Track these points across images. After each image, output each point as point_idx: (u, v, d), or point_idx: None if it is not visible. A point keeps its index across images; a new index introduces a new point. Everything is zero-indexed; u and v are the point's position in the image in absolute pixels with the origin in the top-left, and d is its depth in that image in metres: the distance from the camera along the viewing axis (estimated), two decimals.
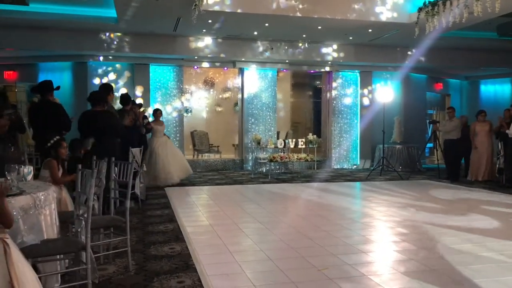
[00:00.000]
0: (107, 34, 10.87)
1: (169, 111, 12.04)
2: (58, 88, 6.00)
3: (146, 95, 11.83)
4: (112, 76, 11.71)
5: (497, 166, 10.15)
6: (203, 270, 3.97)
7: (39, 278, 3.22)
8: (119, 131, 6.16)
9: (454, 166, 10.52)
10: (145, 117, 8.87)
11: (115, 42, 10.98)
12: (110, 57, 11.52)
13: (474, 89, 16.80)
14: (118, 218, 4.11)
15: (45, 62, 11.60)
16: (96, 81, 11.37)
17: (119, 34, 10.94)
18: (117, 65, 11.76)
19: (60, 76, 11.45)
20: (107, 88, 6.54)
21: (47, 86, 5.93)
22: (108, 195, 4.62)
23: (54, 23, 9.89)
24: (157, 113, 9.65)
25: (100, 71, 11.62)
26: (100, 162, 4.36)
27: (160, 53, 11.38)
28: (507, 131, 9.39)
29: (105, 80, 11.38)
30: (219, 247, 4.76)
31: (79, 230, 3.35)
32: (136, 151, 7.11)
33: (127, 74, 11.82)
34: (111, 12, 9.40)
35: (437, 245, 4.81)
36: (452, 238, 5.12)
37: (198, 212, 6.72)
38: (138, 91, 11.80)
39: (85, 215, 3.25)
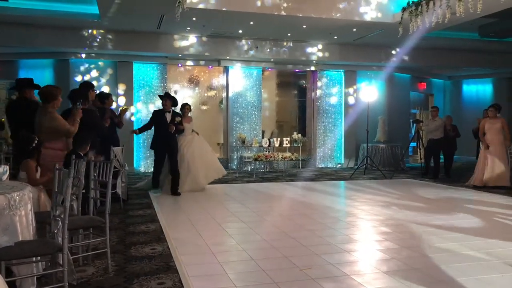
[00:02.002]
0: (90, 31, 10.71)
1: (153, 109, 11.87)
2: (37, 86, 5.84)
3: (129, 93, 11.70)
4: (94, 73, 11.55)
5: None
6: (185, 271, 3.91)
7: (14, 281, 3.14)
8: (100, 129, 6.05)
9: (437, 164, 10.65)
10: (179, 115, 8.12)
11: (98, 39, 10.81)
12: (93, 55, 11.37)
13: (457, 89, 17.04)
14: (97, 218, 4.03)
15: (25, 59, 11.38)
16: (78, 79, 11.20)
17: (101, 31, 10.78)
18: (100, 63, 11.61)
19: (41, 74, 11.23)
20: (87, 86, 6.41)
21: (25, 83, 5.78)
22: (88, 194, 4.52)
23: (35, 20, 9.70)
24: (185, 108, 8.46)
25: (82, 68, 11.46)
26: (79, 161, 4.26)
27: (143, 51, 11.26)
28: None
29: (87, 78, 11.21)
30: (201, 248, 4.70)
31: (55, 231, 3.26)
32: (117, 150, 7.00)
33: (109, 71, 11.68)
34: (94, 9, 9.26)
35: (420, 244, 4.83)
36: (435, 236, 5.14)
37: (181, 212, 6.65)
38: (121, 89, 11.66)
39: (62, 216, 3.17)
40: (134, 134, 9.21)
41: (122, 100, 11.65)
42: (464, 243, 4.86)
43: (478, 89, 16.48)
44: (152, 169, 8.62)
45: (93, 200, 4.53)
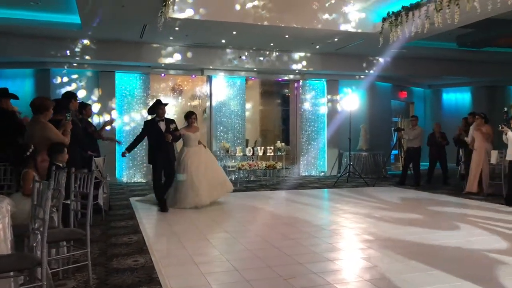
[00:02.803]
0: (71, 40, 10.61)
1: (136, 119, 11.84)
2: (13, 96, 5.76)
3: (111, 103, 11.60)
4: (76, 83, 11.42)
5: (459, 172, 10.46)
6: (167, 283, 3.87)
7: None
8: (80, 140, 5.98)
9: (417, 172, 10.80)
10: (172, 122, 7.47)
11: (79, 49, 10.72)
12: (74, 64, 11.24)
13: (437, 97, 17.36)
14: (78, 230, 3.96)
15: (4, 68, 11.18)
16: (59, 89, 11.05)
17: (83, 40, 10.69)
18: (81, 73, 11.49)
19: (21, 84, 11.08)
20: (68, 96, 6.35)
21: (0, 93, 5.71)
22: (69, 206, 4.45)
23: (15, 29, 9.57)
24: (191, 118, 7.80)
25: (63, 78, 11.32)
26: (60, 172, 4.20)
27: (126, 60, 11.20)
28: (465, 139, 9.71)
29: (68, 88, 11.08)
30: (184, 258, 4.66)
31: (34, 244, 3.20)
32: (99, 160, 6.92)
33: (92, 81, 11.57)
34: (75, 18, 9.17)
35: (402, 251, 4.87)
36: (417, 243, 5.19)
37: (164, 223, 6.59)
38: (103, 99, 11.55)
39: (41, 229, 3.11)
40: (119, 145, 8.45)
41: (105, 111, 11.54)
42: (447, 248, 4.92)
43: (457, 98, 16.81)
44: (154, 190, 7.69)
45: (74, 212, 4.46)
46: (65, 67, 11.21)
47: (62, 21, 9.55)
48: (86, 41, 10.71)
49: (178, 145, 8.19)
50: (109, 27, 9.44)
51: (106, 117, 11.39)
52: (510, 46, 12.09)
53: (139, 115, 11.86)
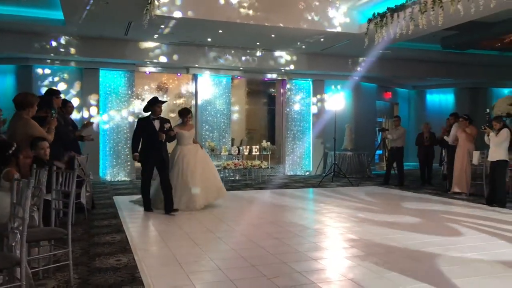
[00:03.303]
0: (54, 37, 10.44)
1: (120, 117, 11.73)
2: None
3: (95, 100, 11.47)
4: (59, 80, 11.25)
5: (442, 172, 10.60)
6: (150, 283, 3.84)
7: None
8: (64, 138, 5.89)
9: (401, 172, 10.91)
10: (167, 121, 7.13)
11: (63, 46, 10.57)
12: (57, 61, 11.08)
13: (421, 98, 17.56)
14: (59, 229, 3.90)
15: None
16: (42, 86, 10.88)
17: (66, 37, 10.54)
18: (65, 70, 11.32)
19: (2, 80, 10.90)
20: (51, 93, 6.25)
21: None
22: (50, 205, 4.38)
23: None
24: (187, 116, 7.47)
25: (46, 75, 11.14)
26: (41, 171, 4.13)
27: (110, 58, 11.08)
28: (445, 138, 9.86)
29: (51, 85, 10.90)
30: (167, 258, 4.63)
31: (13, 244, 3.14)
32: (82, 159, 6.82)
33: (75, 79, 11.41)
34: (58, 14, 9.03)
35: (385, 251, 4.91)
36: (400, 242, 5.24)
37: (148, 222, 6.53)
38: (87, 96, 11.40)
39: (21, 228, 3.05)
40: (134, 156, 7.23)
41: (89, 108, 11.40)
42: (429, 247, 4.97)
43: (441, 99, 17.03)
44: (141, 188, 7.32)
45: (56, 211, 4.40)
46: (48, 63, 11.04)
47: (45, 17, 9.40)
48: (69, 38, 10.56)
49: (170, 146, 7.89)
50: (93, 23, 9.32)
51: (88, 115, 11.24)
52: (492, 49, 12.30)
53: (123, 113, 11.76)
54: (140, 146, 7.08)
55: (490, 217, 6.90)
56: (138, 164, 12.45)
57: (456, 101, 16.39)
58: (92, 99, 11.44)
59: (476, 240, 5.47)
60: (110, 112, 11.68)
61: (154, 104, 7.08)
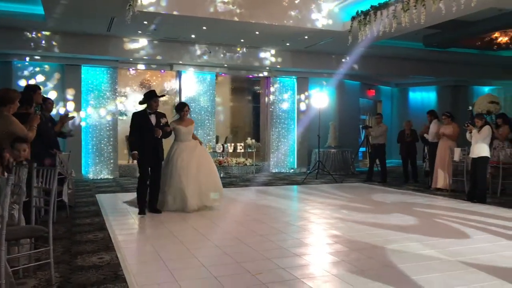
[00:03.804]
0: (34, 32, 10.27)
1: (103, 115, 11.60)
2: None
3: (77, 97, 11.31)
4: (40, 77, 11.09)
5: (424, 169, 10.74)
6: (133, 280, 3.80)
7: None
8: (45, 136, 5.79)
9: (383, 168, 11.03)
10: (163, 116, 6.73)
11: (43, 41, 10.41)
12: (38, 57, 10.89)
13: (403, 96, 17.76)
14: (39, 228, 3.83)
15: None
16: (22, 82, 10.69)
17: (47, 33, 10.37)
18: (46, 66, 11.16)
19: None
20: (31, 89, 6.11)
21: None
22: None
23: None
24: (183, 110, 7.04)
25: (26, 71, 10.96)
26: (21, 168, 4.05)
27: (92, 54, 10.94)
28: (425, 135, 10.00)
29: (32, 82, 10.73)
30: (151, 255, 4.60)
31: None
32: (63, 156, 6.73)
33: (56, 75, 11.25)
34: (39, 9, 8.88)
35: (368, 246, 4.96)
36: (383, 238, 5.30)
37: (131, 220, 6.47)
38: (69, 93, 11.24)
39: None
40: (133, 154, 6.68)
41: (70, 105, 11.24)
42: (411, 243, 5.04)
43: (423, 96, 17.25)
44: (136, 189, 6.80)
45: (37, 209, 4.32)
46: (28, 59, 10.85)
47: (25, 12, 9.23)
48: (50, 33, 10.39)
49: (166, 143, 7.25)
50: (75, 19, 9.20)
51: (72, 113, 11.10)
52: (473, 47, 12.50)
53: (106, 110, 11.63)
54: (134, 143, 6.68)
55: (471, 212, 7.01)
56: (121, 162, 12.49)
57: (438, 99, 16.62)
58: (74, 96, 11.27)
59: (457, 235, 5.55)
60: (93, 110, 11.54)
61: (150, 98, 6.64)
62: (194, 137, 7.19)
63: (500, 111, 10.00)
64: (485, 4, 7.60)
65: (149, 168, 6.67)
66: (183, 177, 6.68)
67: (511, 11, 8.86)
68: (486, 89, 16.68)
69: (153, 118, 6.60)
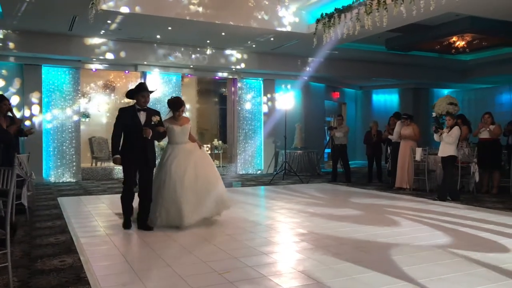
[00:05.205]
0: None
1: (65, 116, 11.27)
2: None
3: (37, 98, 10.93)
4: None
5: (387, 169, 11.01)
6: (97, 282, 3.71)
7: None
8: (4, 138, 5.58)
9: (347, 168, 11.22)
10: (156, 113, 5.73)
11: (0, 40, 10.00)
12: None
13: (367, 98, 18.17)
14: None
15: None
16: None
17: (5, 31, 9.99)
18: (3, 65, 10.73)
19: None
20: None
21: None
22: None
23: None
24: (176, 106, 5.92)
25: None
26: None
27: (54, 54, 10.62)
28: (389, 137, 10.27)
29: None
30: (115, 257, 4.50)
31: None
32: (23, 157, 6.49)
33: (15, 75, 10.84)
34: None
35: (335, 243, 5.03)
36: (348, 235, 5.39)
37: (94, 222, 6.31)
38: (29, 94, 10.86)
39: None
40: (115, 160, 5.57)
41: (35, 108, 10.87)
42: (375, 239, 5.14)
43: (386, 99, 17.71)
44: (121, 199, 5.76)
45: None
46: None
47: None
48: (8, 31, 10.02)
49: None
50: (35, 17, 8.91)
51: (30, 113, 10.73)
52: (432, 51, 12.94)
53: (68, 112, 11.32)
54: (121, 146, 5.62)
55: (431, 210, 7.24)
56: (85, 165, 12.17)
57: (400, 101, 17.08)
58: (34, 97, 10.92)
59: (419, 230, 5.71)
60: (54, 111, 11.21)
61: (137, 92, 5.60)
62: (192, 139, 6.13)
63: (458, 112, 10.37)
64: (443, 8, 7.88)
65: (138, 175, 5.69)
66: (178, 186, 5.62)
67: (467, 16, 9.24)
68: (446, 91, 17.28)
69: (142, 116, 5.58)
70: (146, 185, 5.65)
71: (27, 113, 10.80)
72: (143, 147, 5.55)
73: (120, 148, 5.55)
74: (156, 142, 6.31)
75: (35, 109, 10.91)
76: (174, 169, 5.70)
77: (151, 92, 5.73)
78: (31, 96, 10.87)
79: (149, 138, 5.53)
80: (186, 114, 14.21)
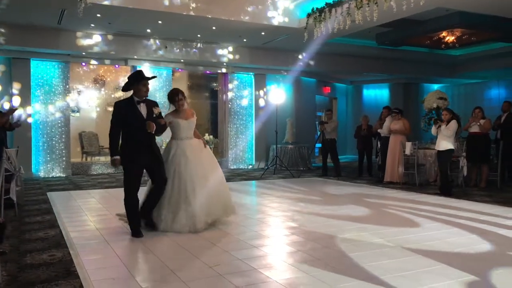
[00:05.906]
0: None
1: (54, 111, 11.18)
2: None
3: (25, 92, 10.82)
4: None
5: (377, 163, 11.08)
6: (87, 276, 3.70)
7: None
8: None
9: (336, 163, 11.27)
10: (155, 104, 5.18)
11: None
12: None
13: (358, 93, 18.23)
14: None
15: None
16: None
17: None
18: None
19: None
20: None
21: None
22: None
23: None
24: (175, 99, 5.46)
25: None
26: None
27: (42, 47, 10.50)
28: (379, 130, 10.33)
29: None
30: (105, 251, 4.49)
31: None
32: (11, 152, 6.43)
33: (2, 69, 10.71)
34: None
35: (324, 236, 5.06)
36: (337, 228, 5.42)
37: (84, 217, 6.28)
38: (16, 88, 10.74)
39: None
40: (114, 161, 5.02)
41: (17, 100, 10.74)
42: (364, 233, 5.19)
43: (377, 94, 17.78)
44: (125, 205, 5.07)
45: None
46: None
47: None
48: None
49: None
50: (22, 10, 8.80)
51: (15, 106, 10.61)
52: (422, 46, 13.00)
53: (58, 106, 11.22)
54: (121, 144, 5.05)
55: (422, 202, 7.31)
56: (74, 160, 12.09)
57: (390, 96, 17.17)
58: (22, 92, 10.78)
59: (407, 224, 5.77)
60: (43, 105, 11.10)
61: (137, 81, 4.98)
62: (197, 135, 5.73)
63: (448, 106, 10.44)
64: (432, 3, 7.92)
65: (148, 172, 5.15)
66: (189, 186, 5.14)
67: (457, 12, 9.29)
68: (436, 86, 17.41)
69: (143, 108, 5.00)
70: (164, 182, 5.13)
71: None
72: (147, 144, 5.01)
73: (118, 147, 5.02)
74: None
75: (24, 103, 10.79)
76: (182, 168, 5.20)
77: (150, 78, 5.12)
78: (19, 91, 10.75)
79: (153, 132, 5.00)
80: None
